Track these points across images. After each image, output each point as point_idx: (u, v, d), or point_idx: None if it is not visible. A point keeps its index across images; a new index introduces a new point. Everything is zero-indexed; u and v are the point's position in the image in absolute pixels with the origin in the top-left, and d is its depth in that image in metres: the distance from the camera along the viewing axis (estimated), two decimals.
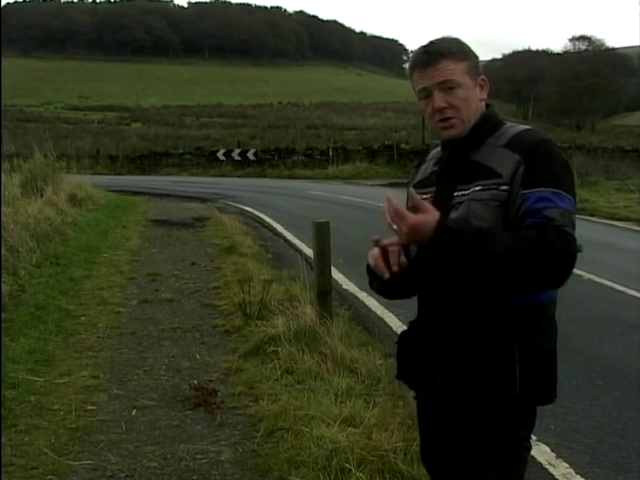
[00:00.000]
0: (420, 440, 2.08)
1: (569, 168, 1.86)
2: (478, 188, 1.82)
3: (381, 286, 1.97)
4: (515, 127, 1.92)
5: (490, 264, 1.69)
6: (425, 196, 1.96)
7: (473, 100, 1.89)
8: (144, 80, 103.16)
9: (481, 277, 1.74)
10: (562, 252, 1.68)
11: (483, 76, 1.92)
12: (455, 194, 1.87)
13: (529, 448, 1.91)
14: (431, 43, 1.91)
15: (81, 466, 3.45)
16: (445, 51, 1.87)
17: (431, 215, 1.70)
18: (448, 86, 1.86)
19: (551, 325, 1.88)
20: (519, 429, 1.85)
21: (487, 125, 1.91)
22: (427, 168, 2.05)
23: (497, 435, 1.82)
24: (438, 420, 1.94)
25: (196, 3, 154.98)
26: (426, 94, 1.89)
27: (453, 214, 1.84)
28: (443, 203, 1.88)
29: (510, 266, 1.69)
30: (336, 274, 7.42)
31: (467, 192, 1.84)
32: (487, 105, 1.95)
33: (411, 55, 1.97)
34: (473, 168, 1.87)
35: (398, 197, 1.76)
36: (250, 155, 30.84)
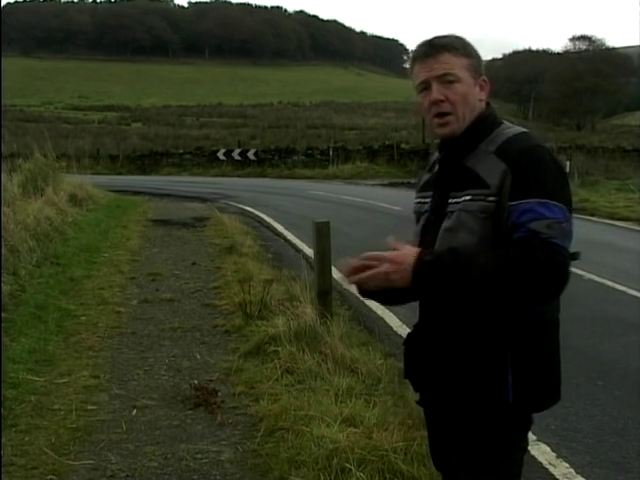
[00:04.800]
0: (428, 439, 2.09)
1: (562, 174, 1.81)
2: (468, 198, 1.80)
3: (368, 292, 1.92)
4: (510, 129, 1.87)
5: (471, 290, 1.69)
6: (426, 200, 1.97)
7: (471, 98, 1.86)
8: (144, 80, 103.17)
9: (470, 302, 1.74)
10: (547, 265, 1.66)
11: (484, 77, 1.89)
12: (449, 201, 1.85)
13: (524, 447, 1.90)
14: (434, 37, 1.89)
15: (81, 466, 3.45)
16: (448, 45, 1.85)
17: (408, 249, 1.74)
18: (447, 79, 1.83)
19: (549, 328, 1.85)
20: (513, 430, 1.83)
21: (481, 127, 1.87)
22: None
23: (491, 437, 1.81)
24: (439, 421, 1.95)
25: (196, 3, 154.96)
26: (424, 86, 1.86)
27: (445, 223, 1.83)
28: (439, 210, 1.88)
29: (492, 289, 1.68)
30: (336, 274, 7.41)
31: (459, 200, 1.82)
32: (487, 104, 1.91)
33: (412, 50, 1.95)
34: (465, 174, 1.84)
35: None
36: (250, 155, 30.86)
